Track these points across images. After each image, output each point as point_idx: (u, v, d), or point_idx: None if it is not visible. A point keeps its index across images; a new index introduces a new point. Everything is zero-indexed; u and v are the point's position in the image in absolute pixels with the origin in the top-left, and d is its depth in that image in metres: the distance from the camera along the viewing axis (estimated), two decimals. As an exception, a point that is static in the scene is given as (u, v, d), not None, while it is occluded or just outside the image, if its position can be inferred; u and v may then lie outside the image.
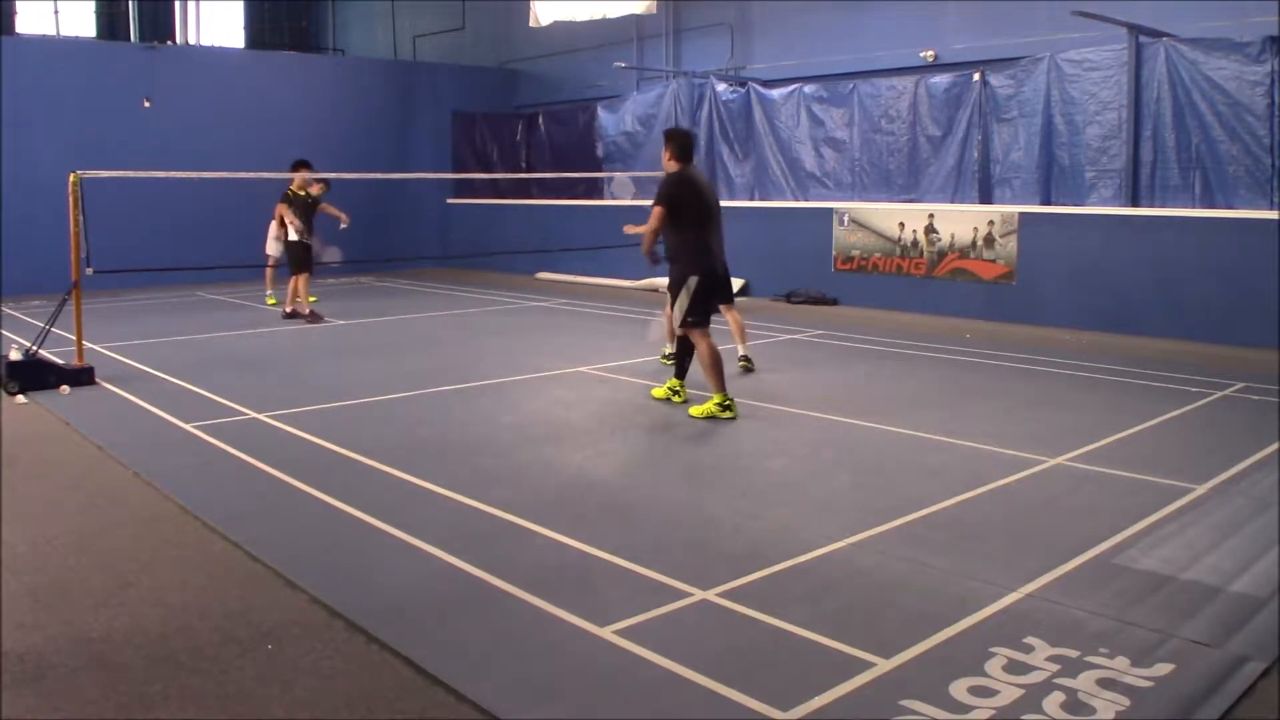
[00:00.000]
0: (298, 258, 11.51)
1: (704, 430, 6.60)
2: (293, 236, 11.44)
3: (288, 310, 11.74)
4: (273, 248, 12.58)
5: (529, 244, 16.49)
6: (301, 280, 11.61)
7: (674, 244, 6.89)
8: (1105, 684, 3.15)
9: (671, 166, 6.90)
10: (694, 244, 6.83)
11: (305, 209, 11.54)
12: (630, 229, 8.12)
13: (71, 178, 8.00)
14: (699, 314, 6.87)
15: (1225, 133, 10.27)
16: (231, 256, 12.81)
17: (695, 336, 6.88)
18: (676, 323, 6.97)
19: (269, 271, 12.88)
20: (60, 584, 4.03)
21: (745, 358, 8.42)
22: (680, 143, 6.94)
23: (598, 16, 16.63)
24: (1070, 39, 11.51)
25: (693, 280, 6.80)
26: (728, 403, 6.75)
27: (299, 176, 11.53)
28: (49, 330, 8.13)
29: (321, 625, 3.64)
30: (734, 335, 8.51)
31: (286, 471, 5.50)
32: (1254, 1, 10.35)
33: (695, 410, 6.84)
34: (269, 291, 13.00)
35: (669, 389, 7.22)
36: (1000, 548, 4.38)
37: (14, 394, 7.47)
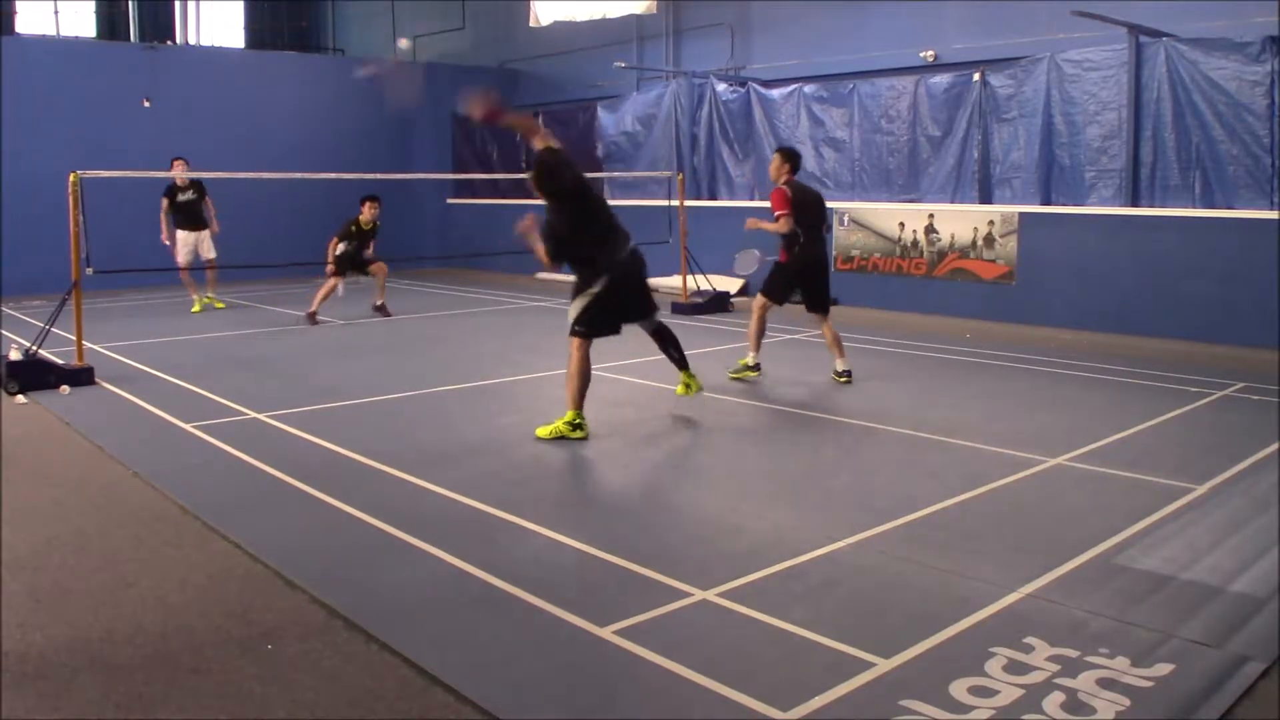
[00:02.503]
0: (339, 262, 11.70)
1: (703, 430, 6.61)
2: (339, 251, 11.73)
3: (312, 311, 11.56)
4: (206, 248, 12.59)
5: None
6: (331, 284, 11.65)
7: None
8: (1105, 684, 3.15)
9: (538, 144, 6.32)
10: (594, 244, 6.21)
11: (362, 236, 11.80)
12: (752, 223, 8.05)
13: (71, 178, 7.99)
14: (590, 325, 6.20)
15: (1225, 133, 10.26)
16: (231, 257, 12.78)
17: (574, 346, 6.21)
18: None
19: (210, 274, 12.82)
20: (60, 584, 4.04)
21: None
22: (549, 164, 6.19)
23: (598, 16, 16.64)
24: (1070, 39, 11.49)
25: (597, 284, 6.17)
26: (579, 422, 6.17)
27: (367, 209, 11.75)
28: (49, 330, 8.13)
29: (321, 625, 3.64)
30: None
31: (287, 471, 5.50)
32: (1254, 1, 10.34)
33: (541, 430, 6.21)
34: (194, 297, 12.82)
35: (684, 384, 7.11)
36: (1000, 548, 4.38)
37: (14, 394, 7.48)
